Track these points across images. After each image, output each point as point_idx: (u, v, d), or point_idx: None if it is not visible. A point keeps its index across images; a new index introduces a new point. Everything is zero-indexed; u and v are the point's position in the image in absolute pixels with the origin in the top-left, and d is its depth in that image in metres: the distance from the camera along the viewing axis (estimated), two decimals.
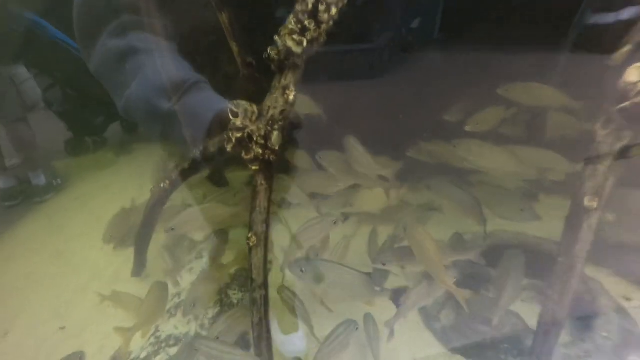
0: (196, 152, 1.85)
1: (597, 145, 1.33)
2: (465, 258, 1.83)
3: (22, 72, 3.40)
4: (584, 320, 1.76)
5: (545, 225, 2.01)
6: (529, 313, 1.80)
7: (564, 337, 1.67)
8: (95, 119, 3.98)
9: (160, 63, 1.84)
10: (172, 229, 1.88)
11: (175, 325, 2.01)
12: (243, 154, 1.57)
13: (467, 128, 2.01)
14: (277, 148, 1.56)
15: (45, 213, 3.29)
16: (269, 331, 1.64)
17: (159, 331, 1.97)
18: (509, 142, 1.98)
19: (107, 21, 1.82)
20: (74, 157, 4.10)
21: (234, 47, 2.00)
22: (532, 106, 2.01)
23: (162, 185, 2.03)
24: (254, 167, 1.59)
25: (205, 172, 2.49)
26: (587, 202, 1.33)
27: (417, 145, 2.22)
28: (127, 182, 3.55)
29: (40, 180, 3.50)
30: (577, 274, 1.42)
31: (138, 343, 1.90)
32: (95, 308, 2.16)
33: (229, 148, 1.59)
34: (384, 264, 1.75)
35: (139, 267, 2.30)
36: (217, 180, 2.52)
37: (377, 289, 1.75)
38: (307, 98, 2.07)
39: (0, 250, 2.91)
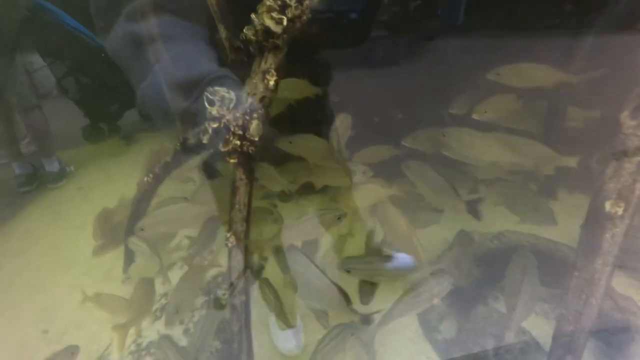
0: (177, 145, 1.72)
1: (623, 138, 1.11)
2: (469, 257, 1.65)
3: (35, 60, 3.42)
4: (613, 342, 1.53)
5: (562, 228, 1.79)
6: (541, 328, 1.59)
7: None
8: (111, 105, 3.93)
9: (181, 53, 1.66)
10: (142, 229, 1.77)
11: (158, 330, 1.91)
12: (220, 146, 1.44)
13: (475, 116, 1.81)
14: (256, 139, 1.42)
15: (49, 202, 3.29)
16: (249, 341, 1.50)
17: (140, 337, 1.88)
18: (515, 133, 1.76)
19: (125, 1, 1.68)
20: (90, 143, 4.09)
21: (222, 31, 1.85)
22: (527, 88, 1.77)
23: (145, 179, 1.93)
24: (232, 160, 1.45)
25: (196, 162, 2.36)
26: (609, 207, 1.12)
27: (414, 133, 2.03)
28: (131, 173, 3.50)
29: (54, 167, 3.57)
30: (598, 292, 1.21)
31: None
32: (80, 309, 2.08)
33: (204, 140, 1.46)
34: (348, 271, 1.58)
35: (128, 263, 2.22)
36: (209, 172, 2.40)
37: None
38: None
39: (4, 240, 2.91)
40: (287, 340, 1.77)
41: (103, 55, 1.87)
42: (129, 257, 2.21)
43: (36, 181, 3.48)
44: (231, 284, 1.48)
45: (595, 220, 1.19)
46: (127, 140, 4.28)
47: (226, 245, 1.46)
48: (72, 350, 1.78)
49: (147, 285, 1.97)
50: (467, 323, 1.64)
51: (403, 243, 1.50)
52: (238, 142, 1.43)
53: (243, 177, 1.47)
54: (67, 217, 3.00)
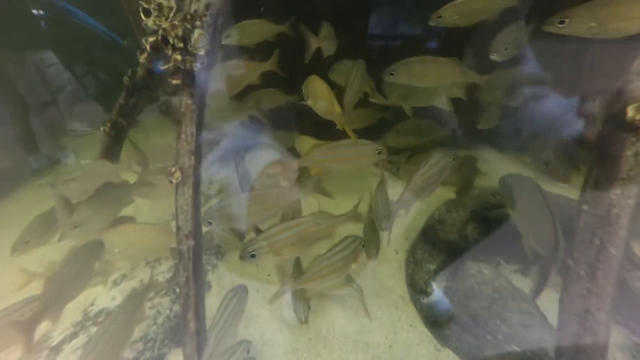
0: (125, 80, 1.53)
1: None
2: None
3: (47, 56, 3.44)
4: None
5: None
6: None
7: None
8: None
9: None
10: None
11: (114, 297, 1.72)
12: (160, 66, 1.23)
13: None
14: (201, 52, 1.20)
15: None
16: (200, 295, 1.29)
17: (93, 304, 1.69)
18: None
19: None
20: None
21: None
22: None
23: (102, 128, 1.76)
24: (174, 82, 1.24)
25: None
26: (633, 112, 0.86)
27: None
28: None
29: (70, 159, 3.63)
30: (618, 237, 0.95)
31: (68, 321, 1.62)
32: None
33: (141, 59, 1.25)
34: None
35: None
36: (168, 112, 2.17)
37: None
38: None
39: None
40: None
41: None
42: None
43: (53, 174, 3.53)
44: (178, 227, 1.27)
45: (611, 135, 0.93)
46: (145, 134, 4.26)
47: (170, 181, 1.25)
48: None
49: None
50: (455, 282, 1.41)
51: None
52: (179, 57, 1.22)
53: (189, 102, 1.26)
54: None
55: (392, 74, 1.58)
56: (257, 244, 1.25)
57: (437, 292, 1.53)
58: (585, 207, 1.01)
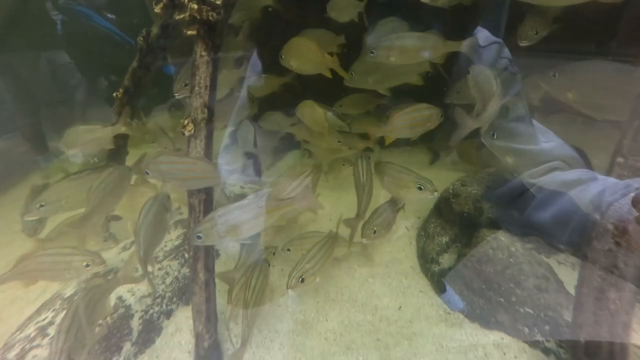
0: (140, 40, 1.53)
1: None
2: None
3: (60, 56, 3.47)
4: None
5: None
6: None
7: None
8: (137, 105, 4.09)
9: None
10: None
11: (122, 259, 1.74)
12: (175, 16, 1.23)
13: None
14: (219, 2, 1.19)
15: None
16: (209, 247, 1.29)
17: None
18: None
19: None
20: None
21: None
22: None
23: (115, 94, 1.78)
24: (189, 32, 1.23)
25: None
26: None
27: None
28: None
29: (79, 158, 3.67)
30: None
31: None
32: None
33: (157, 9, 1.25)
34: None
35: None
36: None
37: None
38: None
39: None
40: None
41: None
42: None
43: (62, 172, 3.55)
44: None
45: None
46: (152, 135, 4.27)
47: (182, 133, 1.24)
48: None
49: None
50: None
51: None
52: (195, 6, 1.21)
53: (204, 53, 1.26)
54: None
55: (372, 53, 1.55)
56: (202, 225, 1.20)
57: (448, 259, 1.50)
58: (620, 159, 0.98)
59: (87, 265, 1.26)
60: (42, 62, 3.17)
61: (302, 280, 1.25)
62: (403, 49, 1.56)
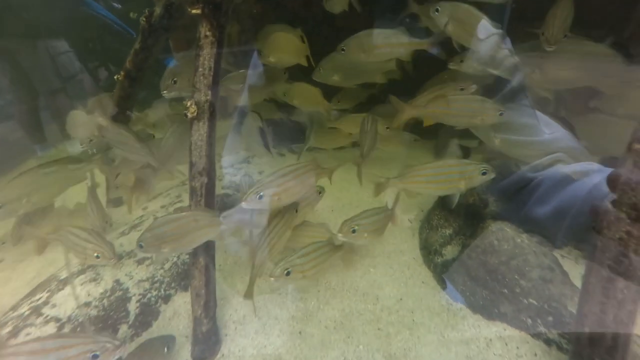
0: (142, 21, 1.50)
1: None
2: None
3: (59, 44, 3.41)
4: None
5: None
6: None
7: None
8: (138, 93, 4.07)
9: None
10: None
11: (121, 244, 1.72)
12: None
13: None
14: None
15: None
16: None
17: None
18: None
19: None
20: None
21: None
22: None
23: (116, 77, 1.77)
24: (194, 11, 1.21)
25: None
26: None
27: None
28: None
29: (76, 149, 3.64)
30: None
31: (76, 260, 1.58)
32: None
33: None
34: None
35: None
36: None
37: None
38: None
39: None
40: None
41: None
42: None
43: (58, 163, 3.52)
44: (191, 164, 1.25)
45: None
46: (153, 128, 4.23)
47: (185, 115, 1.22)
48: None
49: None
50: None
51: None
52: None
53: (208, 33, 1.23)
54: None
55: (343, 50, 1.63)
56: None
57: (452, 250, 1.48)
58: (637, 145, 0.95)
59: (98, 257, 1.32)
60: (40, 50, 3.14)
61: (288, 274, 1.19)
62: (372, 46, 1.62)
